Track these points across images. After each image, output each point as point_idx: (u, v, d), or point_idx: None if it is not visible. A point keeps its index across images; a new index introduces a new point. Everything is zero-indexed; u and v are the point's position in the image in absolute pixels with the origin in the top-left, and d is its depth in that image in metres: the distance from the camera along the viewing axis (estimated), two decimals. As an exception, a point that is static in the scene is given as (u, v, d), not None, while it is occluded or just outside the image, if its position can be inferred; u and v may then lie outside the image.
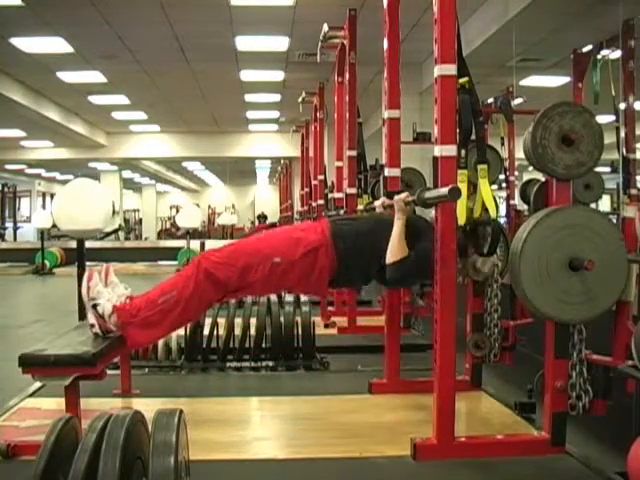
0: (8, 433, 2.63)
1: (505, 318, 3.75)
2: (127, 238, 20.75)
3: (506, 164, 5.02)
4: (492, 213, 2.64)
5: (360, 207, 4.86)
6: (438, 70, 2.45)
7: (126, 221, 22.37)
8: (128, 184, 23.01)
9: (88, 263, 4.13)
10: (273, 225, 21.20)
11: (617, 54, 3.87)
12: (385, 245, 2.73)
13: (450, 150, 2.46)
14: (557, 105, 2.48)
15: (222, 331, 3.94)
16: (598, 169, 3.80)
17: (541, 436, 2.56)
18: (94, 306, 2.64)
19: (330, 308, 5.57)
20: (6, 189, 17.79)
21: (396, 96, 3.35)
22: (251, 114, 13.06)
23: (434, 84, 2.48)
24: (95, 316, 2.63)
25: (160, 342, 3.80)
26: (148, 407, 1.92)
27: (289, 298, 4.39)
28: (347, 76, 4.92)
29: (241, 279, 2.68)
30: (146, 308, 2.64)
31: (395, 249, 2.73)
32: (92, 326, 2.64)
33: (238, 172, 22.22)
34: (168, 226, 25.33)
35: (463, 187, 2.50)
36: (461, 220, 2.59)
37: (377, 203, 3.30)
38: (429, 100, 2.63)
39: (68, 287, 6.13)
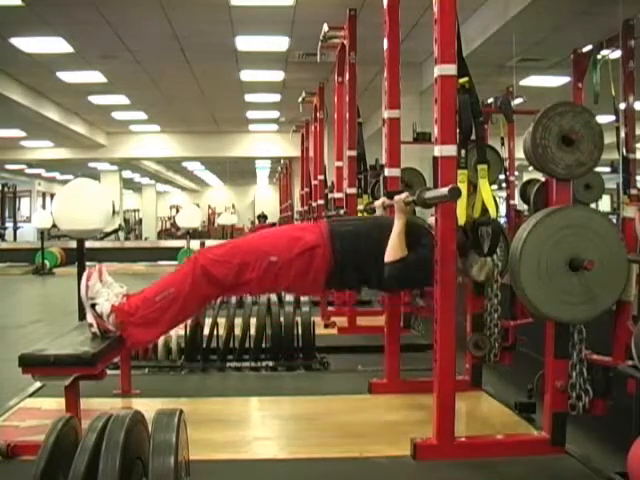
0: (8, 433, 2.63)
1: (505, 318, 3.75)
2: (127, 238, 20.75)
3: (506, 164, 5.01)
4: (492, 213, 2.64)
5: (360, 207, 4.86)
6: (438, 70, 2.45)
7: (126, 221, 22.37)
8: (128, 184, 23.02)
9: (88, 263, 4.13)
10: (273, 225, 21.25)
11: (617, 54, 3.87)
12: (382, 248, 2.72)
13: (450, 150, 2.46)
14: (557, 105, 2.48)
15: (222, 331, 3.94)
16: (598, 169, 3.80)
17: (541, 436, 2.56)
18: (93, 306, 2.65)
19: (330, 308, 5.57)
20: (6, 189, 17.80)
21: (396, 96, 3.35)
22: (251, 114, 13.06)
23: (434, 84, 2.48)
24: (94, 316, 2.64)
25: (160, 342, 3.80)
26: (148, 407, 1.92)
27: (289, 298, 4.38)
28: (347, 76, 4.92)
29: (238, 277, 2.68)
30: (144, 306, 2.64)
31: (394, 248, 2.74)
32: (91, 326, 2.64)
33: (238, 172, 22.22)
34: (168, 226, 25.34)
35: (463, 187, 2.50)
36: (461, 220, 2.59)
37: (377, 203, 3.30)
38: (429, 100, 2.63)
39: (68, 287, 6.13)
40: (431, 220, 2.66)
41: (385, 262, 2.73)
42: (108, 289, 2.70)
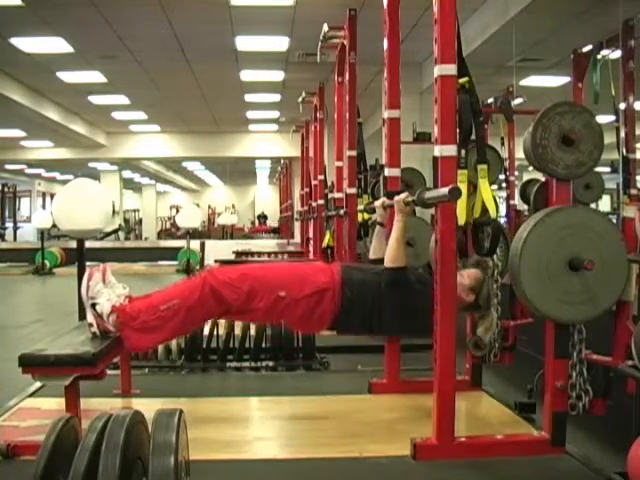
0: (8, 433, 2.63)
1: (505, 318, 3.76)
2: (127, 238, 20.74)
3: (506, 164, 5.01)
4: (492, 213, 2.64)
5: (360, 207, 4.86)
6: (438, 70, 2.45)
7: (126, 221, 22.36)
8: (128, 184, 23.01)
9: (88, 263, 4.13)
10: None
11: (617, 54, 3.87)
12: (388, 302, 2.73)
13: (450, 150, 2.46)
14: (557, 105, 2.48)
15: (222, 331, 3.94)
16: (598, 169, 3.80)
17: (541, 436, 2.56)
18: (93, 305, 2.65)
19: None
20: (6, 189, 17.80)
21: (396, 96, 3.35)
22: (251, 114, 13.06)
23: (434, 84, 2.48)
24: (94, 315, 2.64)
25: (160, 342, 3.80)
26: (148, 407, 1.92)
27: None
28: (347, 76, 4.92)
29: (245, 303, 2.69)
30: (146, 312, 2.64)
31: (392, 253, 2.74)
32: (90, 325, 2.64)
33: (238, 172, 22.21)
34: (168, 226, 25.33)
35: (463, 187, 2.50)
36: (461, 220, 2.59)
37: (377, 203, 3.30)
38: (429, 100, 2.63)
39: (68, 287, 6.12)
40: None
41: (384, 267, 2.74)
42: (110, 289, 2.70)
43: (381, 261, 2.87)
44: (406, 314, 2.74)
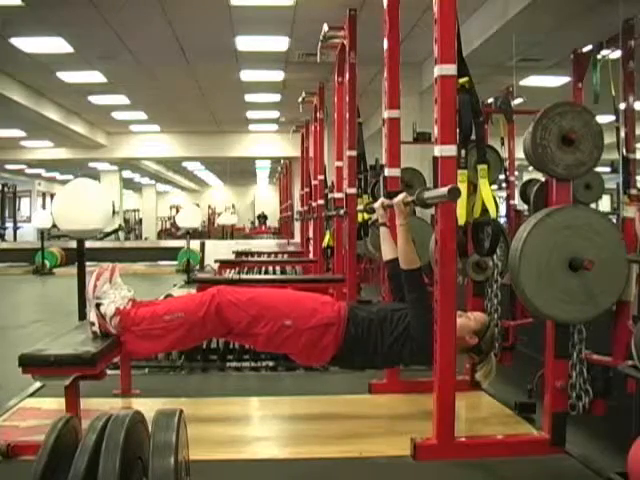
0: (8, 433, 2.64)
1: (505, 318, 3.76)
2: (127, 238, 20.73)
3: (506, 164, 5.01)
4: (492, 213, 2.64)
5: (360, 207, 4.86)
6: (438, 70, 2.45)
7: (126, 221, 22.36)
8: (128, 184, 23.01)
9: (88, 263, 4.13)
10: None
11: (617, 54, 3.86)
12: (390, 341, 2.71)
13: (450, 150, 2.46)
14: (557, 105, 2.48)
15: (222, 331, 3.94)
16: (598, 169, 3.80)
17: (541, 436, 2.56)
18: (97, 305, 2.64)
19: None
20: (6, 189, 17.79)
21: (396, 96, 3.34)
22: (251, 114, 13.05)
23: (434, 84, 2.48)
24: (97, 315, 2.64)
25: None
26: (148, 407, 1.92)
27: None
28: (347, 76, 4.91)
29: (248, 327, 2.68)
30: (150, 320, 2.64)
31: (406, 255, 2.73)
32: (92, 324, 2.64)
33: (238, 172, 22.21)
34: (168, 226, 25.34)
35: (463, 187, 2.50)
36: (461, 220, 2.59)
37: (377, 204, 3.30)
38: (429, 100, 2.63)
39: (68, 287, 6.12)
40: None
41: (402, 269, 2.74)
42: (116, 290, 2.70)
43: (395, 261, 2.85)
44: (412, 354, 2.71)
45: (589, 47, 4.29)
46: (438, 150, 2.47)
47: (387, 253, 3.03)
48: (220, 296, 2.70)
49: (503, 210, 5.30)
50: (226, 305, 2.67)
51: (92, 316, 2.64)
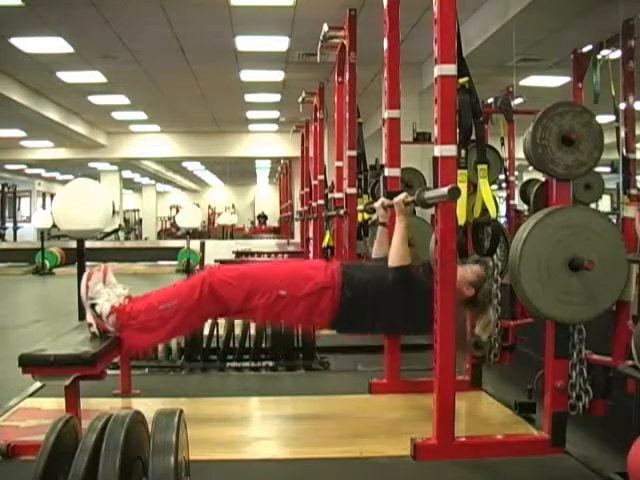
0: (8, 433, 2.63)
1: (505, 318, 3.76)
2: (127, 238, 20.74)
3: (506, 164, 5.01)
4: (492, 213, 2.64)
5: (360, 207, 4.86)
6: (438, 70, 2.45)
7: (126, 221, 22.36)
8: (128, 184, 23.01)
9: (88, 263, 4.13)
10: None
11: (617, 54, 3.87)
12: (389, 301, 2.73)
13: (450, 150, 2.46)
14: (557, 105, 2.48)
15: (222, 331, 3.94)
16: (598, 169, 3.80)
17: (541, 436, 2.56)
18: (92, 306, 2.65)
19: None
20: (6, 189, 17.79)
21: (396, 96, 3.35)
22: (251, 114, 13.05)
23: (434, 84, 2.48)
24: (93, 316, 2.64)
25: (160, 342, 3.80)
26: (148, 407, 1.92)
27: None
28: (347, 76, 4.92)
29: (244, 303, 2.69)
30: (146, 312, 2.65)
31: (397, 253, 2.74)
32: (90, 325, 2.65)
33: (238, 172, 22.21)
34: (168, 226, 25.34)
35: (463, 187, 2.49)
36: (461, 220, 2.59)
37: (377, 204, 3.30)
38: (429, 100, 2.63)
39: (68, 287, 6.12)
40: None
41: (389, 266, 2.74)
42: (110, 290, 2.70)
43: (383, 260, 2.87)
44: (410, 311, 2.73)
45: (589, 47, 4.29)
46: (438, 150, 2.47)
47: (377, 251, 3.06)
48: (211, 277, 2.70)
49: (503, 210, 5.30)
50: (219, 284, 2.67)
51: (89, 317, 2.65)
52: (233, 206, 27.05)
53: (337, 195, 5.68)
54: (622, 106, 3.78)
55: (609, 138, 2.82)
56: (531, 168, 2.68)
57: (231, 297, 2.68)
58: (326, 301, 2.71)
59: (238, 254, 8.85)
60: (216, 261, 7.20)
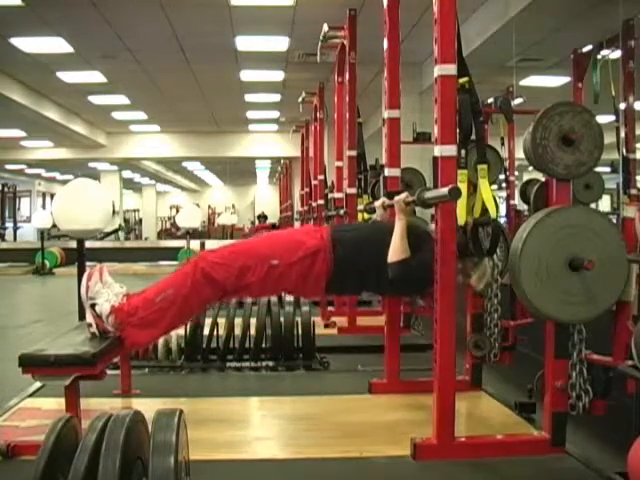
0: (8, 433, 2.63)
1: (505, 318, 3.75)
2: (127, 238, 20.73)
3: (506, 164, 5.01)
4: (492, 213, 2.64)
5: (360, 207, 4.86)
6: (438, 70, 2.45)
7: (126, 221, 22.35)
8: (128, 184, 23.01)
9: (88, 263, 4.13)
10: (274, 226, 21.24)
11: (617, 54, 3.87)
12: (383, 255, 2.72)
13: (450, 150, 2.46)
14: (557, 105, 2.48)
15: (222, 331, 3.94)
16: (598, 169, 3.80)
17: (541, 436, 2.56)
18: (92, 306, 2.65)
19: (330, 308, 5.57)
20: (6, 189, 17.79)
21: (396, 96, 3.35)
22: (251, 114, 13.06)
23: (434, 84, 2.48)
24: (93, 316, 2.64)
25: (160, 342, 3.80)
26: (148, 407, 1.92)
27: (289, 298, 4.38)
28: (347, 76, 4.92)
29: (238, 280, 2.68)
30: (143, 307, 2.64)
31: (397, 249, 2.74)
32: (90, 326, 2.65)
33: (238, 172, 22.21)
34: (168, 226, 25.33)
35: (463, 187, 2.50)
36: (461, 220, 2.59)
37: (377, 203, 3.30)
38: (429, 100, 2.63)
39: (68, 287, 6.13)
40: (432, 226, 2.67)
41: (388, 263, 2.74)
42: (108, 289, 2.70)
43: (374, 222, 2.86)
44: (407, 269, 2.72)
45: (589, 47, 4.30)
46: (438, 150, 2.47)
47: None
48: (202, 261, 2.70)
49: (503, 210, 5.30)
50: (210, 267, 2.67)
51: (89, 317, 2.65)
52: (233, 206, 27.04)
53: (337, 195, 5.68)
54: (622, 106, 3.78)
55: (609, 138, 2.82)
56: (531, 168, 2.68)
57: (224, 277, 2.67)
58: (320, 264, 2.70)
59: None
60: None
